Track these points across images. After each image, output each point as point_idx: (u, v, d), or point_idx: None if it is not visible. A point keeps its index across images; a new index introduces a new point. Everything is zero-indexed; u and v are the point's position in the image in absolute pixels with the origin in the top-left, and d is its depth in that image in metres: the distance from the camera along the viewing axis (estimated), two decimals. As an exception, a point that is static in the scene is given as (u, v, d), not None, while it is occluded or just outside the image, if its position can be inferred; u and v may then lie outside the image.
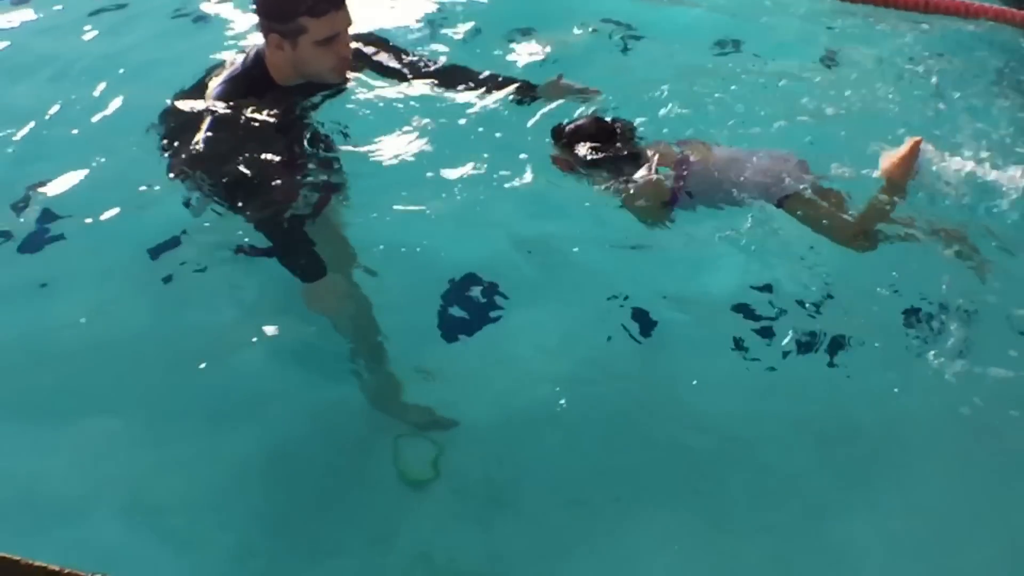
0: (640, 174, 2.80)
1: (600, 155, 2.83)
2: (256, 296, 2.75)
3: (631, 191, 2.79)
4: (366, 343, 2.59)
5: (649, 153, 2.85)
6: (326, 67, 2.68)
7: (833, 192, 2.73)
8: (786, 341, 2.57)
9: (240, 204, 2.60)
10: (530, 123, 3.09)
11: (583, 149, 2.84)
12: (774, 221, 2.73)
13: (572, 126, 2.91)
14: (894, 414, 2.45)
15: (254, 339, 2.64)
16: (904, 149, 2.59)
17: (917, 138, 2.59)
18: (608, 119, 2.93)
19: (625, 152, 2.84)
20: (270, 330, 2.66)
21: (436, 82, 3.03)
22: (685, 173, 2.77)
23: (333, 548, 2.22)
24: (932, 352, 2.51)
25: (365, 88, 3.02)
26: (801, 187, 2.70)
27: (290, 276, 2.56)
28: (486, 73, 3.08)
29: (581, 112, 3.05)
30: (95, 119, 3.40)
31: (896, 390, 2.47)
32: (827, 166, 2.81)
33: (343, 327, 2.60)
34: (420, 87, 3.02)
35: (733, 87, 3.41)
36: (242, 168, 2.58)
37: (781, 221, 2.72)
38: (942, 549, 2.19)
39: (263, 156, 2.61)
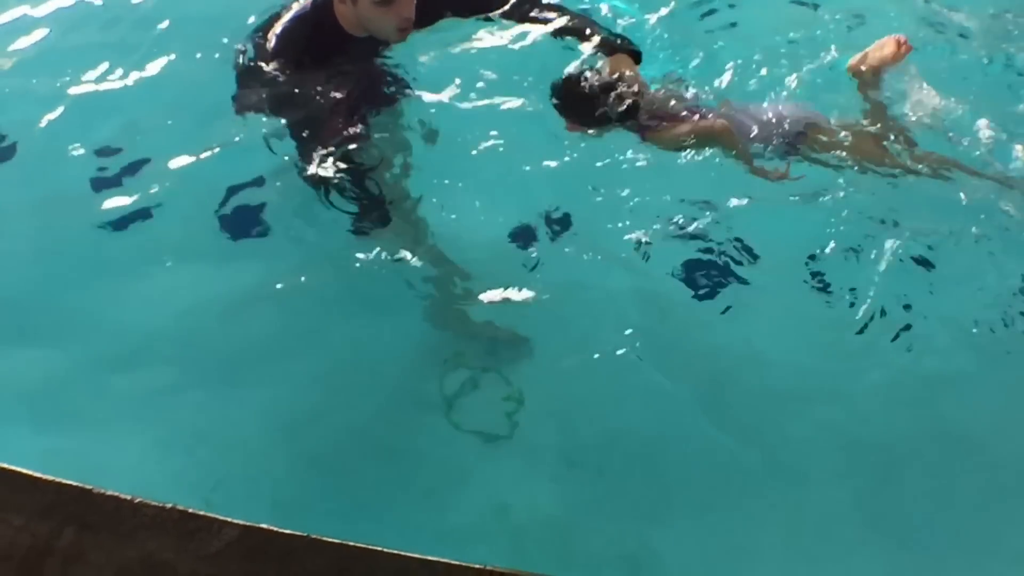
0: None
1: (601, 111, 2.78)
2: (320, 225, 2.74)
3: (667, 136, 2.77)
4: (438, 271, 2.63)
5: (660, 95, 2.83)
6: (387, 27, 2.71)
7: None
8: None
9: (299, 142, 2.67)
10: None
11: (585, 108, 2.79)
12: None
13: (565, 87, 2.83)
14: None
15: (314, 266, 2.69)
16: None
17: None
18: (602, 73, 2.83)
19: (625, 107, 2.78)
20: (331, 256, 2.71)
21: (521, 18, 2.95)
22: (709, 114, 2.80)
23: (399, 496, 2.24)
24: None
25: (430, 38, 2.96)
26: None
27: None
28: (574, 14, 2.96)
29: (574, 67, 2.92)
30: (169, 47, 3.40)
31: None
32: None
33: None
34: (503, 25, 2.95)
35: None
36: (297, 108, 2.66)
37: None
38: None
39: (319, 99, 2.67)
